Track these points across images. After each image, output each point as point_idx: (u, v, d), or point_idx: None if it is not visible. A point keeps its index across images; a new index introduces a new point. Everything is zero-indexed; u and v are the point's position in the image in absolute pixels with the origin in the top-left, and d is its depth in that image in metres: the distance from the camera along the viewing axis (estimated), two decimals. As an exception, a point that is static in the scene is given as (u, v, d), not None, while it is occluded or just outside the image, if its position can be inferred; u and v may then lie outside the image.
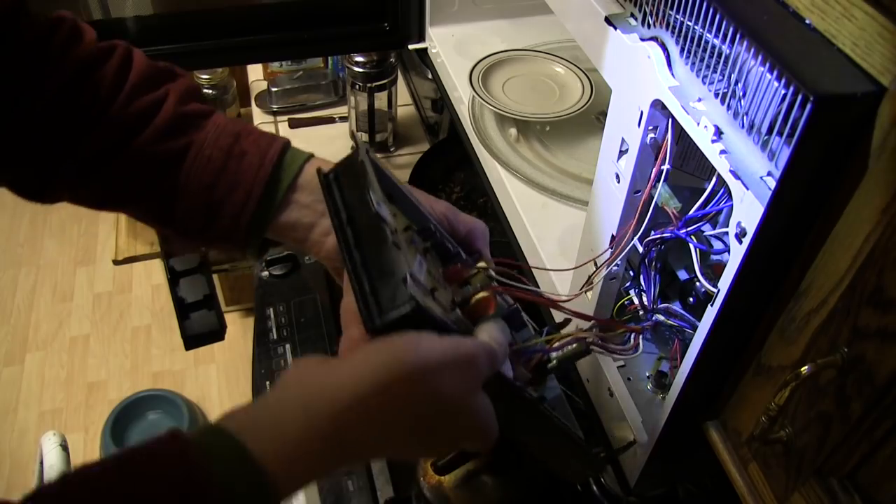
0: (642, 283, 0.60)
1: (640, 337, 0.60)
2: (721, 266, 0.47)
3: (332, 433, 0.39)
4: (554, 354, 0.56)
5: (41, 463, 1.08)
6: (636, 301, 0.61)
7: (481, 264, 0.52)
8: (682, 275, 0.59)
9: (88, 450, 1.93)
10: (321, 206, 0.53)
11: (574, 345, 0.56)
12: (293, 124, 1.58)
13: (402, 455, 0.43)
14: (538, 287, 0.81)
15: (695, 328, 0.50)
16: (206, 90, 2.41)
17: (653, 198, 0.53)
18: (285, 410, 0.40)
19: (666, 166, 0.52)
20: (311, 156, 0.54)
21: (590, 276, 0.62)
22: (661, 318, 0.59)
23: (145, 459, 0.37)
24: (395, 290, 0.42)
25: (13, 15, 0.49)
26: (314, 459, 0.39)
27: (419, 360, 0.40)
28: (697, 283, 0.56)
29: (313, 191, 0.53)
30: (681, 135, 0.50)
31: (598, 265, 0.60)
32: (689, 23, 0.44)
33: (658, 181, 0.51)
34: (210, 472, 0.36)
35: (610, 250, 0.59)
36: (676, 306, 0.60)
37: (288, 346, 1.16)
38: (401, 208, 0.52)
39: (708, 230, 0.53)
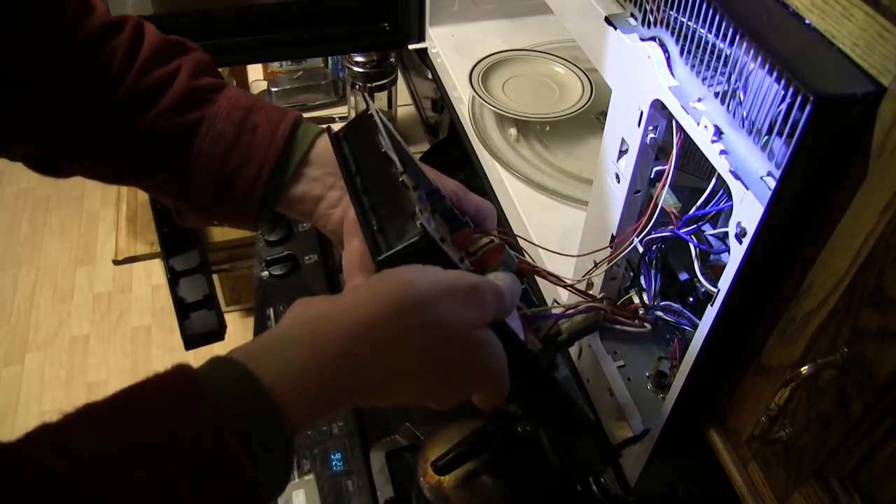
0: (642, 283, 0.60)
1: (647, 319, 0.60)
2: (721, 266, 0.47)
3: (339, 357, 0.38)
4: (564, 325, 0.56)
5: (41, 463, 1.08)
6: (636, 300, 0.61)
7: (489, 237, 0.52)
8: (683, 275, 0.59)
9: (88, 450, 1.93)
10: (330, 180, 0.54)
11: (585, 315, 0.56)
12: (293, 124, 1.58)
13: (414, 393, 0.42)
14: (539, 285, 0.81)
15: (695, 327, 0.50)
16: (206, 90, 2.42)
17: (658, 202, 0.53)
18: (291, 338, 0.39)
19: (662, 167, 0.52)
20: (323, 130, 0.55)
21: (586, 274, 0.62)
22: (661, 314, 0.59)
23: (148, 390, 0.36)
24: (404, 224, 0.42)
25: None
26: (323, 386, 0.38)
27: (423, 287, 0.40)
28: (697, 283, 0.56)
29: (323, 164, 0.54)
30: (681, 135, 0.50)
31: (598, 262, 0.60)
32: (689, 23, 0.44)
33: (666, 184, 0.51)
34: (216, 398, 0.35)
35: (609, 249, 0.59)
36: (676, 305, 0.60)
37: (288, 346, 1.16)
38: (409, 172, 0.52)
39: (708, 230, 0.53)
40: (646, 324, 0.60)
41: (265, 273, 1.21)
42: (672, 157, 0.50)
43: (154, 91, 0.52)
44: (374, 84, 1.36)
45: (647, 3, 0.49)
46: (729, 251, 0.44)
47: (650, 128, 0.51)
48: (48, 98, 0.50)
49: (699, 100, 0.45)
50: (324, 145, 0.54)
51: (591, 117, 0.99)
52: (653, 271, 0.59)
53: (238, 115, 0.53)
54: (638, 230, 0.55)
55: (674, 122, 0.49)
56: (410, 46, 1.15)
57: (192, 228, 1.24)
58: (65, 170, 0.55)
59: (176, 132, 0.52)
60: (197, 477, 0.33)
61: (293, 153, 0.53)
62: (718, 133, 0.42)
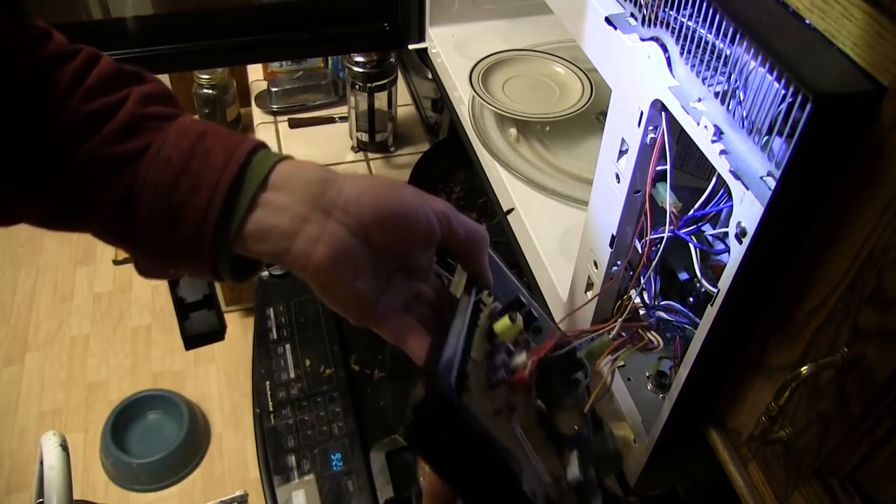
0: (642, 283, 0.60)
1: (651, 332, 0.60)
2: (721, 266, 0.47)
3: None
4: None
5: (41, 463, 1.08)
6: (636, 300, 0.61)
7: (506, 324, 0.50)
8: (683, 275, 0.59)
9: (88, 450, 1.93)
10: (303, 210, 0.45)
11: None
12: (293, 124, 1.58)
13: None
14: (539, 285, 0.81)
15: (695, 325, 0.50)
16: (206, 90, 2.42)
17: (654, 200, 0.53)
18: None
19: (665, 167, 0.52)
20: (288, 157, 0.49)
21: (618, 316, 0.62)
22: (662, 314, 0.59)
23: None
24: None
25: None
26: None
27: None
28: (697, 283, 0.56)
29: (292, 190, 0.46)
30: (681, 135, 0.50)
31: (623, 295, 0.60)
32: (689, 23, 0.44)
33: (662, 181, 0.51)
34: None
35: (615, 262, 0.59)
36: (677, 304, 0.60)
37: (288, 346, 1.16)
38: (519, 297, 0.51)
39: (708, 230, 0.53)
40: (654, 335, 0.60)
41: (265, 273, 1.21)
42: (656, 154, 0.50)
43: (96, 118, 0.46)
44: (374, 84, 1.36)
45: (647, 3, 0.49)
46: (729, 251, 0.44)
47: (650, 128, 0.51)
48: None
49: (699, 100, 0.45)
50: (291, 168, 0.46)
51: (591, 117, 0.99)
52: (652, 272, 0.59)
53: (188, 141, 0.46)
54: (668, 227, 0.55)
55: (663, 117, 0.49)
56: (410, 46, 1.15)
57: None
58: (7, 214, 0.49)
59: (117, 161, 0.46)
60: None
61: (249, 177, 0.46)
62: (718, 133, 0.42)
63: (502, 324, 0.50)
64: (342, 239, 0.44)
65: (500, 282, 0.51)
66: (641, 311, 0.61)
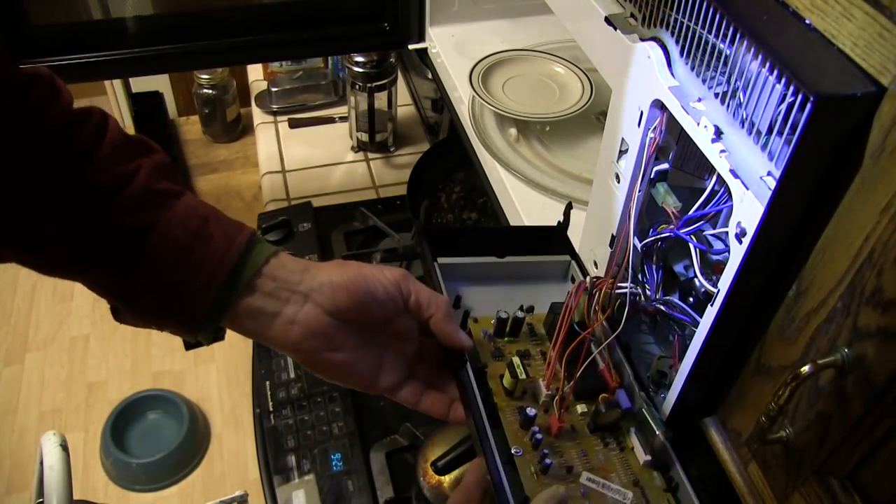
0: (643, 279, 0.60)
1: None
2: (721, 266, 0.47)
3: None
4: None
5: (41, 463, 1.08)
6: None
7: (511, 383, 0.54)
8: (682, 272, 0.59)
9: (88, 450, 1.93)
10: (284, 294, 0.53)
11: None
12: (293, 124, 1.58)
13: None
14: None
15: (696, 324, 0.50)
16: (206, 90, 2.42)
17: (650, 196, 0.53)
18: None
19: (665, 166, 0.52)
20: (277, 250, 0.54)
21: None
22: (662, 308, 0.59)
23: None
24: None
25: None
26: None
27: None
28: (697, 283, 0.56)
29: (276, 278, 0.53)
30: (681, 135, 0.50)
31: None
32: (689, 23, 0.44)
33: (662, 181, 0.51)
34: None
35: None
36: (677, 299, 0.60)
37: (288, 346, 1.16)
38: None
39: (708, 230, 0.53)
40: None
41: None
42: (651, 150, 0.50)
43: (112, 187, 0.50)
44: (374, 84, 1.37)
45: (647, 3, 0.49)
46: (729, 251, 0.44)
47: (650, 128, 0.51)
48: (2, 178, 0.48)
49: (699, 100, 0.45)
50: (278, 259, 0.53)
51: (591, 117, 0.99)
52: (654, 267, 0.59)
53: (194, 224, 0.52)
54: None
55: (663, 115, 0.49)
56: (410, 46, 1.15)
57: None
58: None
59: (129, 231, 0.50)
60: None
61: (248, 265, 0.52)
62: (718, 133, 0.42)
63: (507, 382, 0.55)
64: (315, 318, 0.52)
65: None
66: (644, 306, 0.61)
